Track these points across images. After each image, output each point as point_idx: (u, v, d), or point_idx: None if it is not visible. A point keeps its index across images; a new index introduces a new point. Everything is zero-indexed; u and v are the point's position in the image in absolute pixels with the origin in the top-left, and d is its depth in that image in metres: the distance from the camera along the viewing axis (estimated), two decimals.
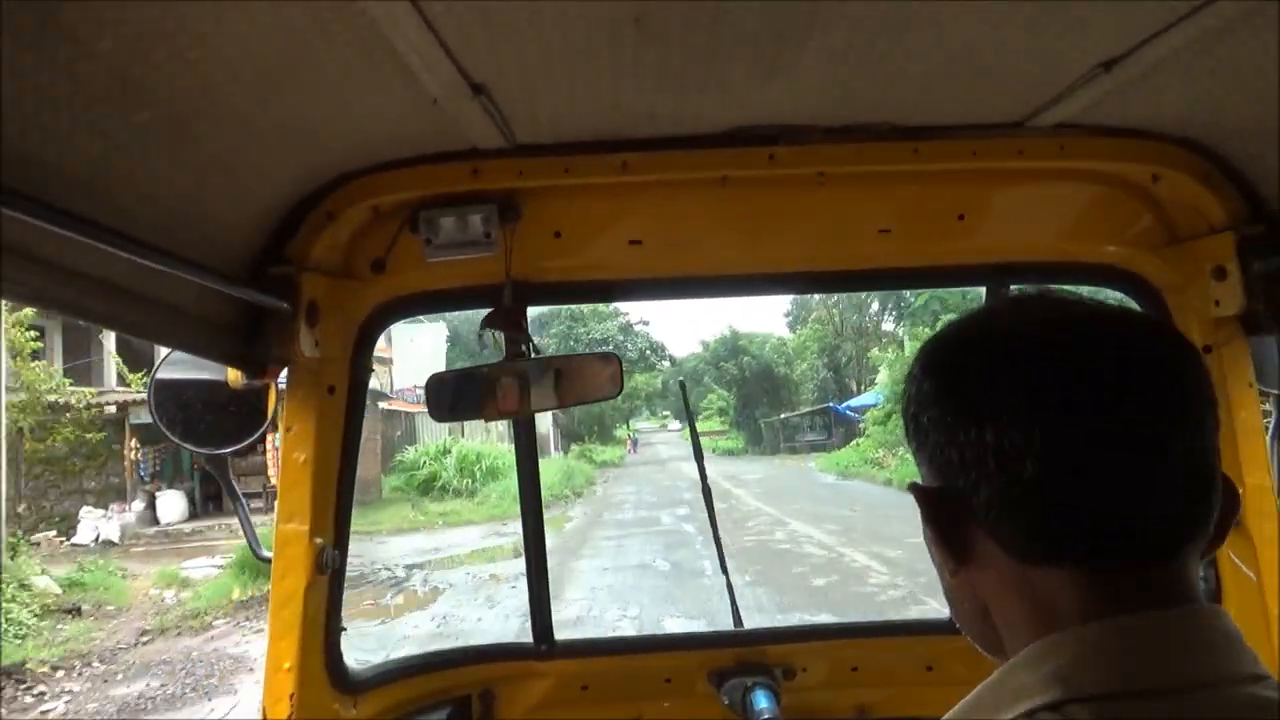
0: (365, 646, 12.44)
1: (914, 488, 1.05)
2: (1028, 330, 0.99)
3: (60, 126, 1.33)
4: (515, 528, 19.74)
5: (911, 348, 40.25)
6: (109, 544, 23.33)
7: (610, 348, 47.65)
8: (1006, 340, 0.99)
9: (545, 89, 1.77)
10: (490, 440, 38.58)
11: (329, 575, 2.24)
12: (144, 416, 24.87)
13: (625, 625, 13.67)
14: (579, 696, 2.70)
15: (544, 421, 38.42)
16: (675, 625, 13.20)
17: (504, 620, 14.26)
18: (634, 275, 2.44)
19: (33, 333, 20.76)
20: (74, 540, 23.21)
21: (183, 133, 1.57)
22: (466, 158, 2.09)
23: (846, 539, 21.22)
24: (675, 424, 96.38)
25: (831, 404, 59.02)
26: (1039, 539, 0.94)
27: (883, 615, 13.23)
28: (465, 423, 37.66)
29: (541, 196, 2.24)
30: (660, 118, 1.97)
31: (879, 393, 45.82)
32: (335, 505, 2.26)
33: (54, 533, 23.20)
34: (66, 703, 12.17)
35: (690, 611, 14.03)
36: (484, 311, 2.34)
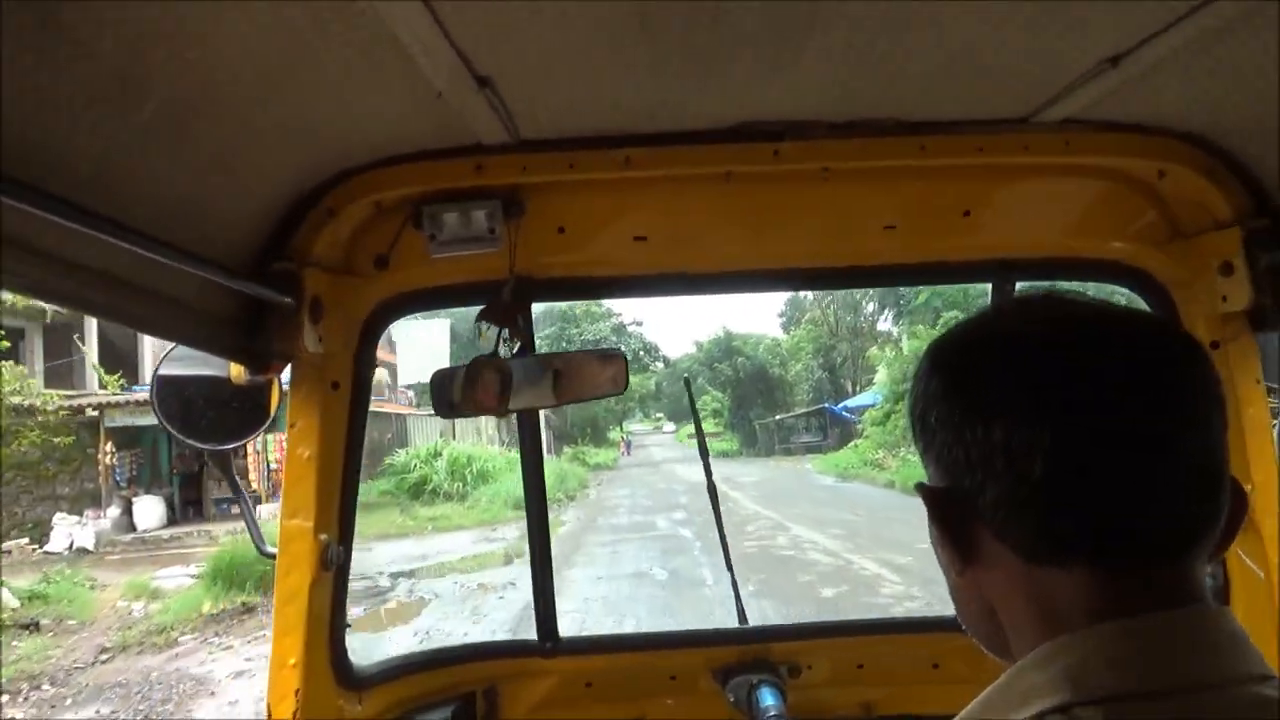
0: None
1: (920, 487, 1.05)
2: (1035, 330, 1.00)
3: (62, 123, 1.34)
4: (505, 533, 19.25)
5: (910, 346, 40.55)
6: (83, 551, 22.50)
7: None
8: (1014, 340, 1.00)
9: (550, 83, 1.76)
10: (481, 443, 38.39)
11: (333, 571, 2.23)
12: (120, 419, 24.67)
13: None
14: (583, 694, 2.70)
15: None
16: None
17: (490, 636, 13.34)
18: (638, 271, 2.44)
19: None
20: (47, 548, 22.43)
21: (185, 129, 1.57)
22: (470, 153, 2.08)
23: (853, 544, 20.32)
24: (669, 426, 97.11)
25: (827, 405, 58.91)
26: (1046, 539, 0.94)
27: None
28: (456, 424, 38.44)
29: (545, 192, 2.22)
30: (664, 113, 1.97)
31: (877, 392, 45.50)
32: (340, 501, 2.26)
33: (26, 540, 22.37)
34: None
35: (691, 626, 12.78)
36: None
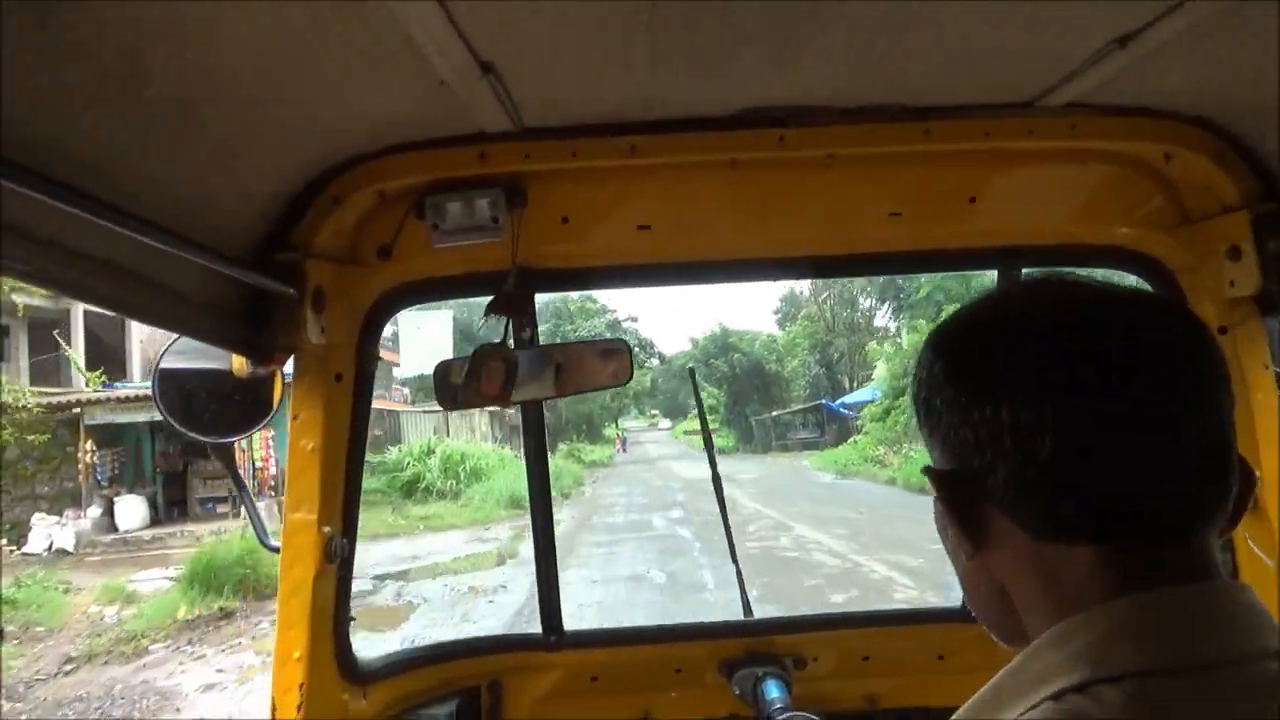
0: None
1: (928, 470, 1.05)
2: (1040, 311, 1.00)
3: (65, 109, 1.34)
4: (498, 532, 18.39)
5: (910, 341, 40.05)
6: (62, 553, 21.91)
7: None
8: (1019, 321, 1.00)
9: (554, 70, 1.75)
10: (475, 440, 38.33)
11: (337, 564, 2.22)
12: (101, 417, 24.07)
13: None
14: (588, 687, 2.70)
15: None
16: None
17: None
18: (642, 260, 2.43)
19: None
20: (25, 549, 21.84)
21: (188, 117, 1.58)
22: (473, 141, 2.07)
23: (858, 545, 19.59)
24: (665, 423, 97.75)
25: (824, 401, 58.51)
26: (1056, 517, 0.94)
27: None
28: (450, 421, 37.96)
29: (548, 181, 2.22)
30: (669, 100, 1.97)
31: (876, 388, 45.11)
32: (344, 494, 2.26)
33: (4, 541, 21.72)
34: None
35: None
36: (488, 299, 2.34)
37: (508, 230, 2.20)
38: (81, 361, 25.99)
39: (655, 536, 22.69)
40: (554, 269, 2.37)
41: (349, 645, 2.32)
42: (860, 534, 20.96)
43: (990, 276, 2.59)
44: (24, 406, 22.21)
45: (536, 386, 2.32)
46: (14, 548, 21.73)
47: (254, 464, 24.28)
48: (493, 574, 18.57)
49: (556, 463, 41.74)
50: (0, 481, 22.97)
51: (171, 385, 2.31)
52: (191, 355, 2.27)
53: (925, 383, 1.05)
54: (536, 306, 2.38)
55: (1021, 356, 0.96)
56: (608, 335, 57.04)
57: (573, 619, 2.75)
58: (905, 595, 14.86)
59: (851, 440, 44.45)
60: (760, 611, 2.94)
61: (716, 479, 3.10)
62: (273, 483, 23.95)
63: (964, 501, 1.00)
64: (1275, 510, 2.12)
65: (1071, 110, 2.01)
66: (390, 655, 2.55)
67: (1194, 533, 0.93)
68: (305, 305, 2.05)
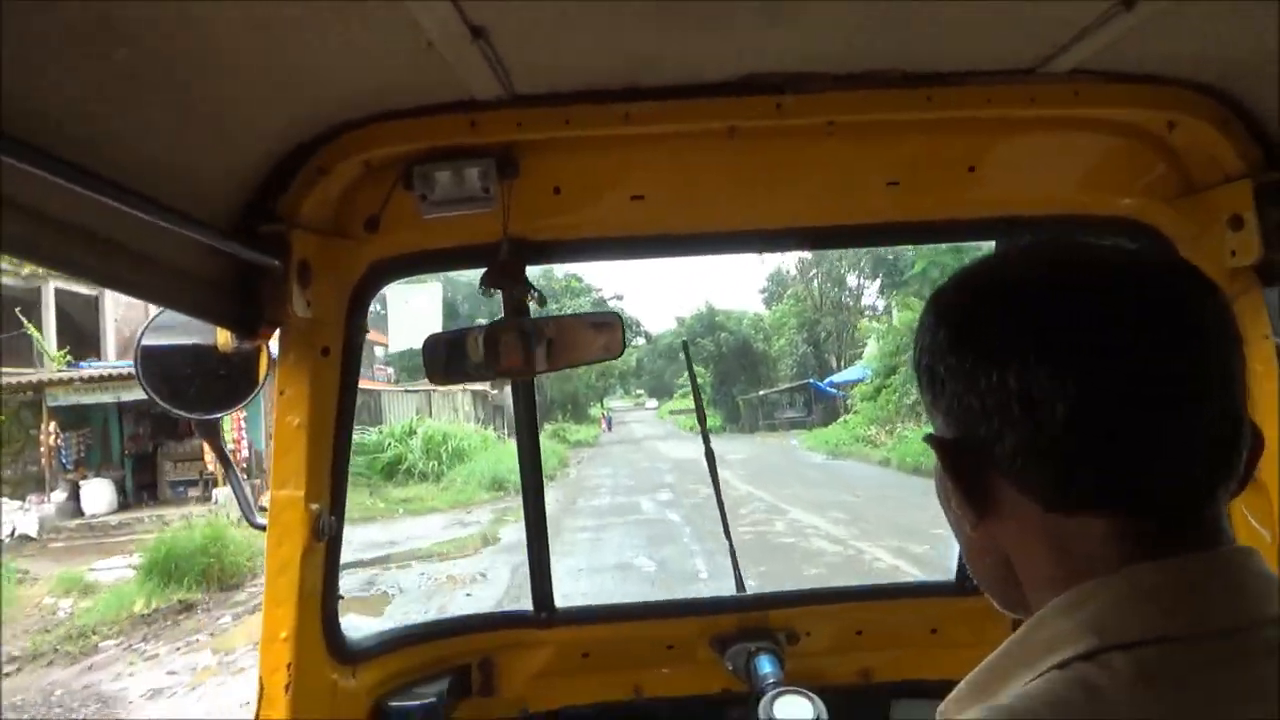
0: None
1: (931, 439, 1.04)
2: (1038, 273, 0.99)
3: (33, 68, 1.30)
4: (480, 515, 17.25)
5: (901, 318, 39.56)
6: (25, 539, 21.08)
7: None
8: (1017, 285, 0.98)
9: (546, 34, 1.70)
10: (458, 420, 37.94)
11: (325, 542, 2.20)
12: (64, 398, 23.31)
13: None
14: (580, 664, 2.71)
15: None
16: None
17: None
18: (636, 232, 2.39)
19: None
20: None
21: (166, 80, 1.54)
22: (463, 109, 2.01)
23: (859, 530, 18.70)
24: (652, 402, 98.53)
25: (811, 380, 58.68)
26: (1065, 486, 0.92)
27: None
28: (433, 401, 37.15)
29: (541, 150, 2.18)
30: (665, 65, 1.92)
31: (866, 367, 44.99)
32: (331, 470, 2.23)
33: None
34: None
35: None
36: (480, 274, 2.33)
37: (498, 201, 2.14)
38: (53, 340, 25.16)
39: (643, 521, 21.90)
40: (546, 241, 2.33)
41: (338, 624, 2.30)
42: (859, 518, 20.09)
43: (988, 249, 2.58)
44: None
45: (539, 358, 2.32)
46: None
47: (225, 444, 23.13)
48: (471, 562, 17.77)
49: (541, 443, 41.32)
50: None
51: (154, 362, 2.27)
52: (174, 331, 2.23)
53: (928, 349, 1.01)
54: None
55: (1021, 320, 0.92)
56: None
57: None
58: None
59: (841, 420, 44.25)
60: None
61: (710, 454, 3.11)
62: (244, 464, 23.14)
63: (969, 471, 0.98)
64: (1273, 480, 2.09)
65: (1075, 77, 1.98)
66: (380, 634, 2.52)
67: (1207, 498, 0.91)
68: (291, 278, 2.00)
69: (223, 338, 2.10)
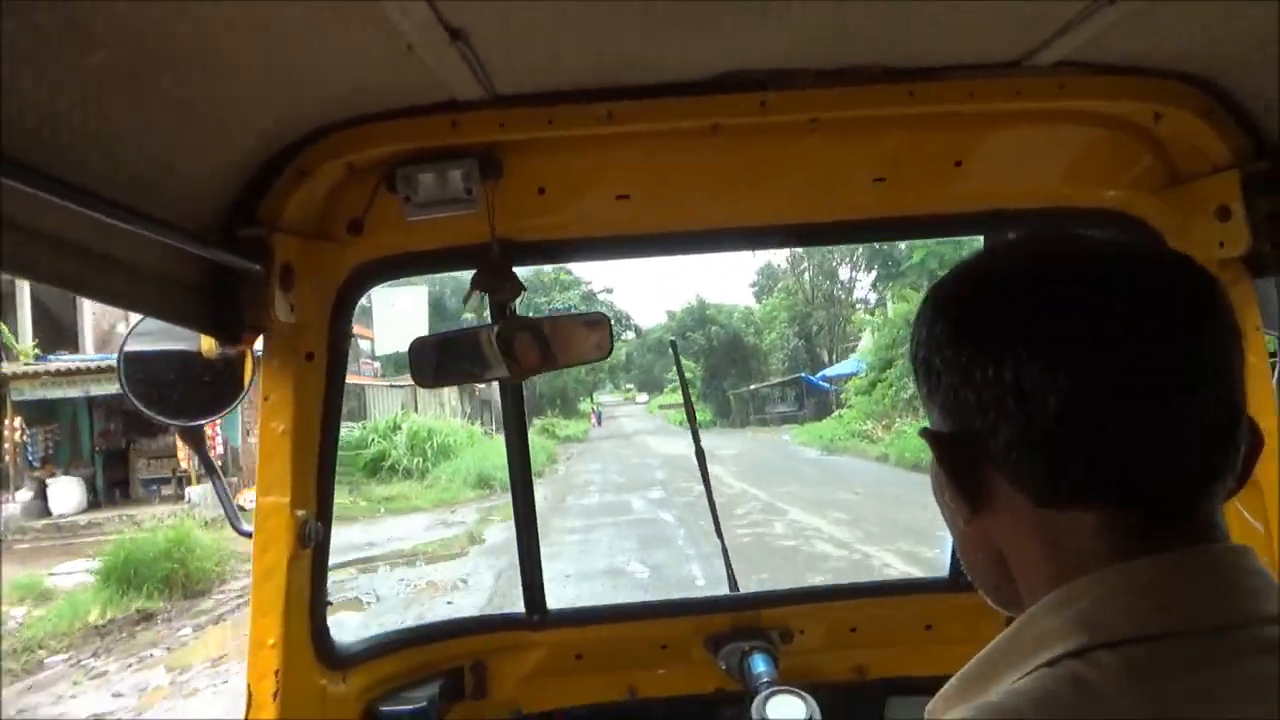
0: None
1: (926, 432, 1.04)
2: (1023, 267, 1.00)
3: (2, 71, 1.26)
4: (464, 515, 16.11)
5: (897, 310, 39.17)
6: None
7: None
8: (1017, 278, 0.98)
9: (526, 34, 1.69)
10: (444, 415, 37.48)
11: (312, 548, 2.20)
12: (30, 392, 22.59)
13: None
14: (573, 666, 2.72)
15: None
16: None
17: None
18: (621, 231, 2.39)
19: None
20: None
21: (140, 79, 1.50)
22: (444, 110, 2.02)
23: (863, 533, 17.70)
24: (642, 397, 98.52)
25: (803, 375, 58.19)
26: (1058, 478, 0.92)
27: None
28: (419, 395, 36.65)
29: (524, 150, 2.17)
30: (648, 64, 1.91)
31: (860, 360, 44.53)
32: (317, 476, 2.22)
33: None
34: None
35: None
36: (467, 275, 2.35)
37: (482, 202, 2.13)
38: (29, 333, 24.38)
39: (635, 521, 21.03)
40: (531, 241, 2.31)
41: (326, 630, 2.28)
42: (863, 518, 19.16)
43: (977, 242, 2.59)
44: None
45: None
46: None
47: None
48: (455, 566, 16.95)
49: (530, 438, 40.92)
50: None
51: (138, 368, 2.26)
52: (158, 336, 2.20)
53: (925, 342, 1.01)
54: None
55: (1014, 313, 0.93)
56: (583, 308, 57.63)
57: None
58: None
59: (836, 414, 43.65)
60: None
61: (700, 452, 3.16)
62: (220, 460, 22.33)
63: (964, 465, 0.98)
64: (1267, 475, 2.01)
65: (1060, 69, 1.97)
66: (370, 639, 2.51)
67: (1200, 494, 0.91)
68: (273, 282, 1.98)
69: (206, 343, 2.10)
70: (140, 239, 1.61)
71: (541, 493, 25.16)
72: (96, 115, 1.45)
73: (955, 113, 2.08)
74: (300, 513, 2.12)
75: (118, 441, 24.81)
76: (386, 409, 35.49)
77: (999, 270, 1.01)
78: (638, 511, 22.55)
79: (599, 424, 67.32)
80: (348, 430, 30.28)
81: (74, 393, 22.60)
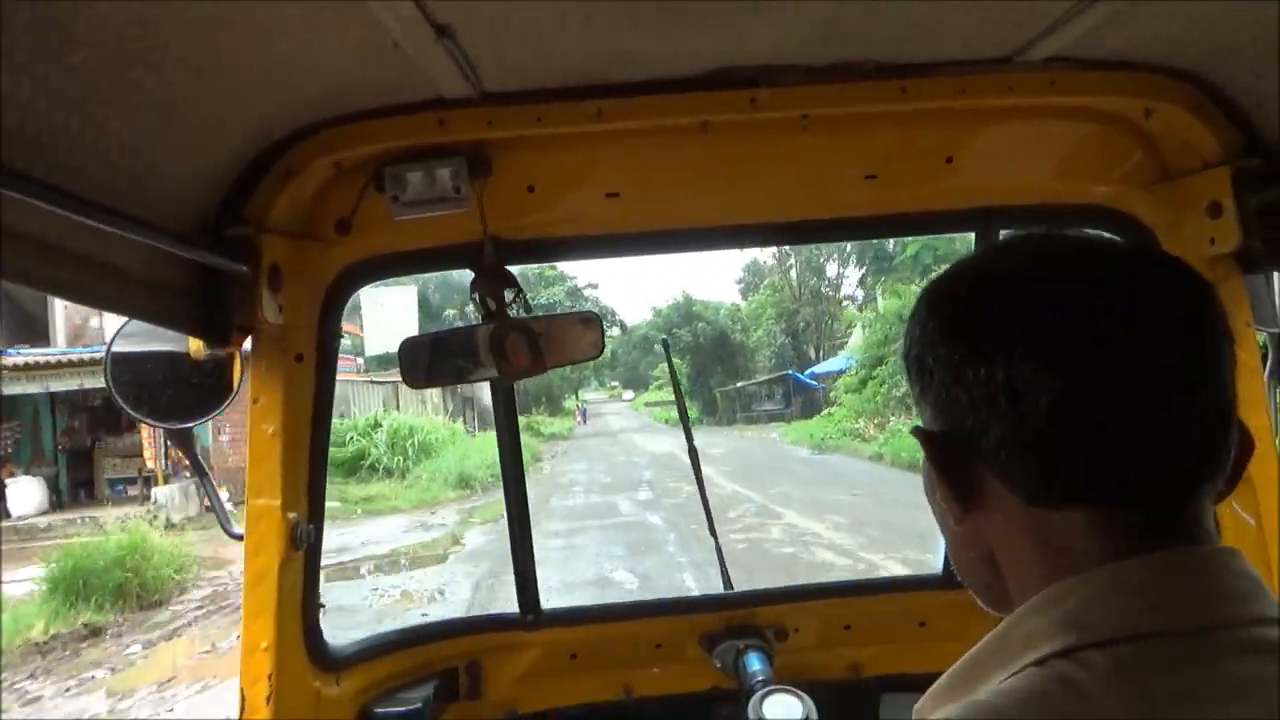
0: None
1: (918, 431, 1.04)
2: (1022, 267, 0.99)
3: None
4: (445, 516, 14.80)
5: (888, 306, 38.59)
6: None
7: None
8: (1002, 279, 0.99)
9: (514, 30, 1.68)
10: (426, 412, 36.85)
11: (304, 550, 2.20)
12: None
13: None
14: (568, 665, 2.73)
15: (487, 393, 36.39)
16: None
17: None
18: (612, 230, 2.40)
19: None
20: None
21: (124, 79, 1.47)
22: (432, 108, 2.01)
23: (866, 539, 16.73)
24: (628, 394, 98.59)
25: (791, 372, 57.65)
26: (1050, 478, 0.92)
27: None
28: (400, 392, 35.79)
29: (512, 149, 2.16)
30: (637, 60, 1.90)
31: (850, 356, 44.00)
32: (308, 478, 2.23)
33: None
34: None
35: None
36: (455, 274, 2.40)
37: (472, 201, 2.12)
38: None
39: (622, 524, 20.07)
40: (520, 240, 2.32)
41: (319, 633, 2.29)
42: (864, 523, 18.21)
43: (969, 239, 2.56)
44: None
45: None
46: None
47: (167, 444, 21.65)
48: (434, 572, 16.06)
49: None
50: None
51: (126, 369, 2.23)
52: (145, 338, 2.19)
53: (918, 340, 1.02)
54: None
55: (1008, 313, 0.93)
56: (568, 304, 57.66)
57: None
58: None
59: (825, 412, 43.05)
60: None
61: (693, 451, 3.17)
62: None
63: (955, 463, 0.98)
64: (1259, 472, 2.07)
65: (1051, 65, 1.97)
66: (364, 640, 2.52)
67: (1190, 495, 0.91)
68: (261, 283, 1.98)
69: (195, 345, 2.08)
70: (125, 241, 1.58)
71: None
72: (79, 116, 1.42)
73: (946, 109, 2.07)
74: (291, 515, 2.12)
75: (82, 440, 24.16)
76: (368, 405, 34.85)
77: (998, 269, 1.00)
78: (625, 514, 21.69)
79: (584, 421, 66.93)
80: None
81: (34, 389, 21.87)
